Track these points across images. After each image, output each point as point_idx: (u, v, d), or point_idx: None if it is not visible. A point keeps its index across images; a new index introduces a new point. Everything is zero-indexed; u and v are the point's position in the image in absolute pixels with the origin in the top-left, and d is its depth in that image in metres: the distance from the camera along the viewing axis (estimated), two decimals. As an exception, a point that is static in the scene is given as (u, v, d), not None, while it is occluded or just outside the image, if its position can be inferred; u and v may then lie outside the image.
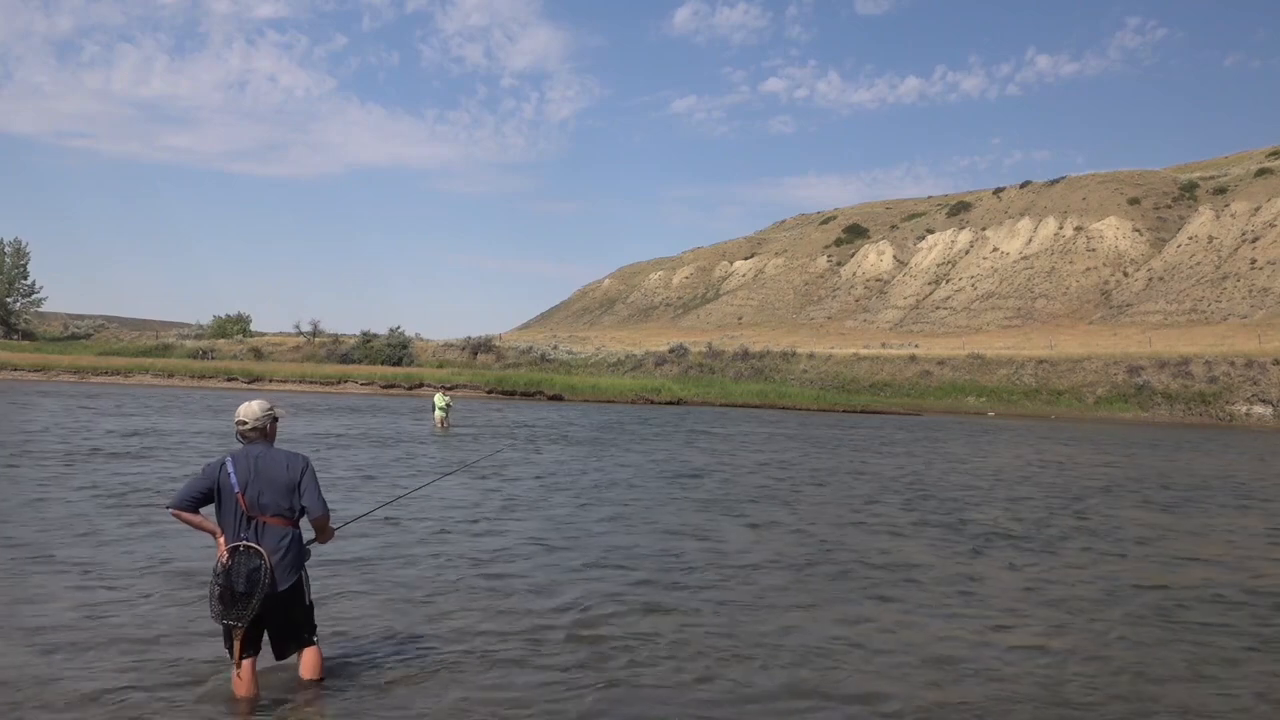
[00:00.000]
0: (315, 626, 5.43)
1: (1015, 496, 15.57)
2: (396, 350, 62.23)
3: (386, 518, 10.87)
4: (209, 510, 5.18)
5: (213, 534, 5.15)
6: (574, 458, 19.75)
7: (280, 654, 5.30)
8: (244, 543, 5.04)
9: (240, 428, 5.30)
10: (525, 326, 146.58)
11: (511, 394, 51.14)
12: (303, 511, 5.25)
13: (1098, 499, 15.63)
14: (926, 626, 7.28)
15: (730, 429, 31.33)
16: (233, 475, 5.10)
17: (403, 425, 27.91)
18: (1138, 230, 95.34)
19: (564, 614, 7.29)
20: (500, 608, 7.40)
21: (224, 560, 5.00)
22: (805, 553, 10.06)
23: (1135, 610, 8.02)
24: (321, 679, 5.38)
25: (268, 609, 5.03)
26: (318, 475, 5.35)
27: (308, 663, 5.37)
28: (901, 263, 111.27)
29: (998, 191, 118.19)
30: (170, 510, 5.09)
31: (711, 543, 10.46)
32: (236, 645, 5.06)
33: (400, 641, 6.42)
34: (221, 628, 5.12)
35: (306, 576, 5.30)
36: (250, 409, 5.35)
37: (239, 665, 5.11)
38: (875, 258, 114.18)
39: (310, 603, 5.34)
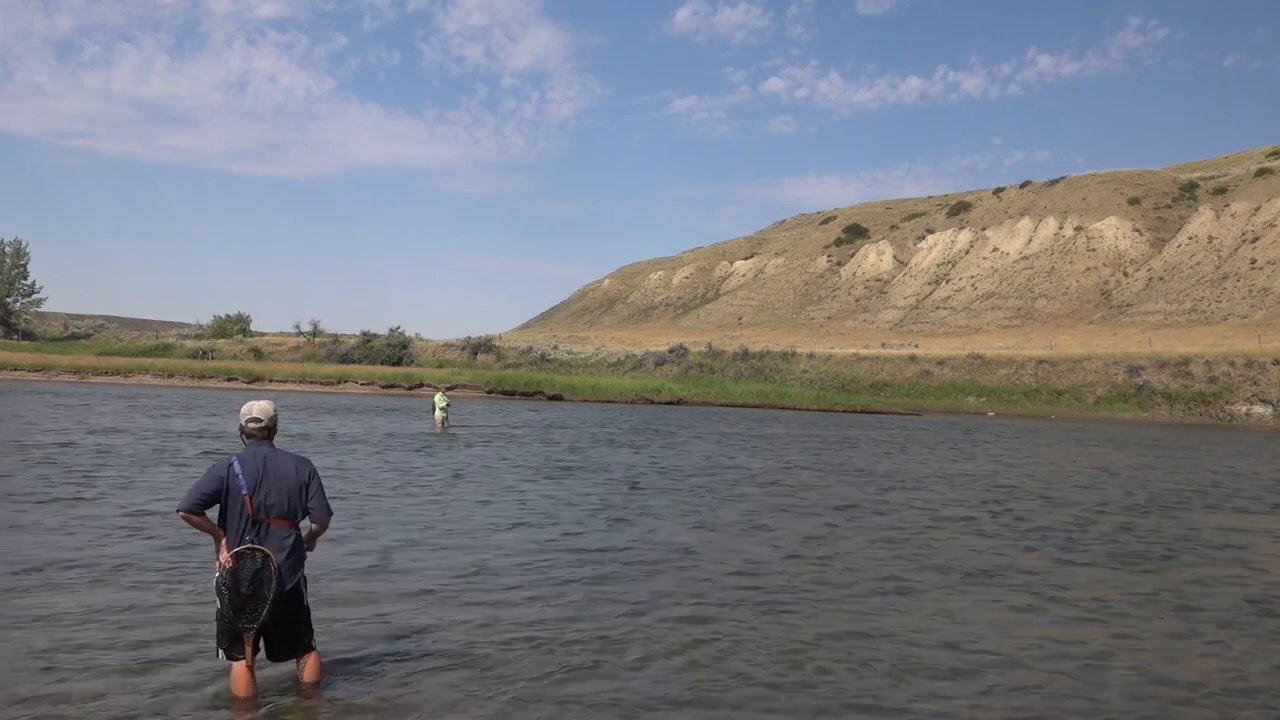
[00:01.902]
0: (313, 631, 5.41)
1: (1100, 502, 15.28)
2: (396, 350, 62.23)
3: (516, 523, 11.32)
4: (212, 512, 5.16)
5: (216, 536, 5.12)
6: (648, 461, 19.56)
7: (276, 657, 5.27)
8: (249, 545, 5.02)
9: (252, 426, 5.27)
10: (525, 326, 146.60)
11: (511, 394, 51.14)
12: (304, 513, 5.23)
13: (1179, 503, 15.39)
14: (1082, 639, 7.14)
15: (761, 430, 31.19)
16: (241, 477, 5.06)
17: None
18: (1138, 230, 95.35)
19: (679, 608, 7.44)
20: (606, 612, 7.41)
21: (229, 563, 4.98)
22: (935, 561, 9.88)
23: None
24: (319, 681, 5.37)
25: (271, 610, 5.02)
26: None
27: (308, 666, 5.36)
28: (901, 263, 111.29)
29: (998, 191, 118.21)
30: (180, 514, 5.02)
31: (842, 555, 10.15)
32: (248, 648, 5.06)
33: (463, 640, 6.46)
34: (218, 627, 5.11)
35: (304, 580, 5.29)
36: (263, 407, 5.32)
37: (248, 665, 5.10)
38: (875, 258, 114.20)
39: (308, 606, 5.32)
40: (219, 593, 5.03)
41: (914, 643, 6.83)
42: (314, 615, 5.48)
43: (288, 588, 5.07)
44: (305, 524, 5.35)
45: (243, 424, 5.31)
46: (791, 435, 29.36)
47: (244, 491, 5.04)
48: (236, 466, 5.10)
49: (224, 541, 5.06)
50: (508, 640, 6.50)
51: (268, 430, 5.29)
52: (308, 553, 5.36)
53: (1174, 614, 7.99)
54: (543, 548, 9.88)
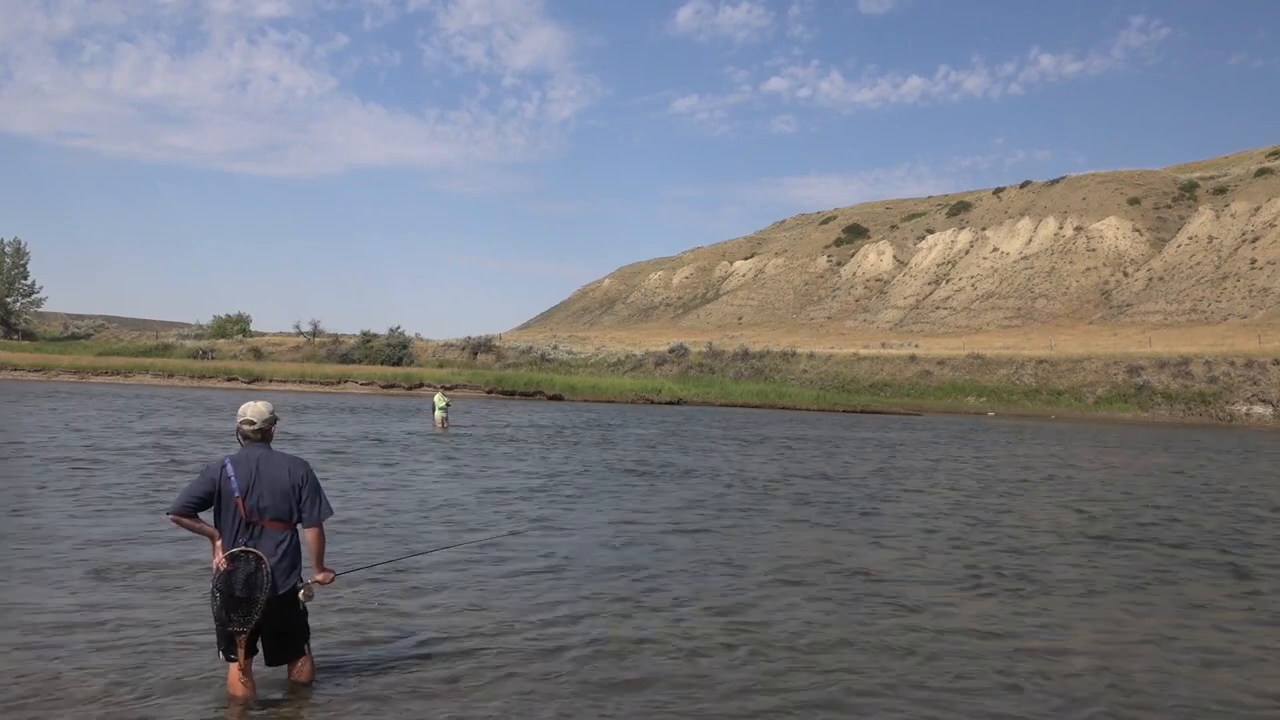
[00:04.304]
0: (309, 634, 5.40)
1: (1207, 507, 15.07)
2: (396, 350, 62.25)
3: (672, 530, 11.25)
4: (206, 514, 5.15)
5: (211, 538, 5.11)
6: (736, 465, 19.37)
7: (273, 660, 5.27)
8: (243, 548, 5.00)
9: (246, 428, 5.24)
10: (525, 326, 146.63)
11: (511, 394, 51.14)
12: (300, 516, 5.19)
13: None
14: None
15: (804, 432, 30.87)
16: (233, 479, 5.04)
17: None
18: (1138, 230, 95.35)
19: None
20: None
21: (223, 566, 4.97)
22: (1104, 576, 9.66)
23: None
24: (310, 681, 5.38)
25: (266, 613, 5.00)
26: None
27: (300, 668, 5.36)
28: (901, 263, 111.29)
29: (998, 191, 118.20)
30: (170, 516, 5.02)
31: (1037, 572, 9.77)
32: (240, 650, 5.05)
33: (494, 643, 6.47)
34: (217, 630, 5.09)
35: (303, 582, 5.26)
36: (257, 409, 5.29)
37: (240, 667, 5.10)
38: (875, 258, 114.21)
39: (304, 609, 5.29)
40: (213, 595, 5.02)
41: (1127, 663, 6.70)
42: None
43: (281, 591, 5.04)
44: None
45: (238, 426, 5.29)
46: (837, 438, 28.95)
47: (236, 494, 5.02)
48: (229, 469, 5.07)
49: (218, 544, 5.05)
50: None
51: (262, 432, 5.26)
52: (323, 583, 5.31)
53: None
54: (703, 551, 9.98)
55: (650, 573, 8.90)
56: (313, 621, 5.61)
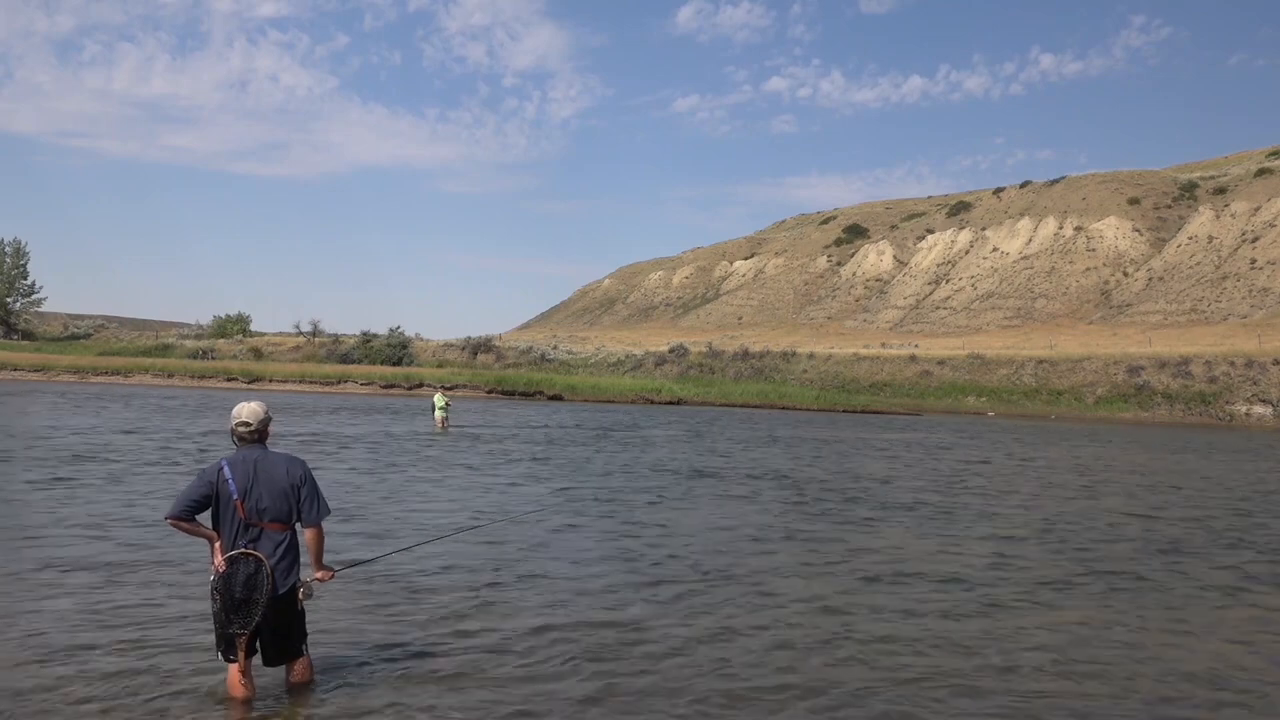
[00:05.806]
0: (306, 635, 5.38)
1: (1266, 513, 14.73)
2: (396, 350, 62.26)
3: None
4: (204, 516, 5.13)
5: (209, 540, 5.08)
6: (798, 467, 19.24)
7: (271, 661, 5.25)
8: (242, 550, 4.98)
9: (242, 430, 5.19)
10: (525, 326, 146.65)
11: (511, 394, 51.12)
12: (299, 515, 5.18)
13: None
14: None
15: (824, 434, 30.64)
16: (231, 482, 5.01)
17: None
18: (1138, 230, 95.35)
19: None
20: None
21: (222, 568, 4.95)
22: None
23: None
24: (309, 682, 5.37)
25: (265, 613, 4.99)
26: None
27: (297, 669, 5.35)
28: (901, 263, 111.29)
29: (998, 191, 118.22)
30: (169, 520, 4.98)
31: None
32: (240, 651, 5.03)
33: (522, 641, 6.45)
34: (216, 631, 5.07)
35: (302, 581, 5.25)
36: (252, 409, 5.23)
37: (240, 668, 5.09)
38: (875, 258, 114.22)
39: (302, 610, 5.27)
40: (212, 596, 5.00)
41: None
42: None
43: (281, 591, 5.03)
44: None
45: (232, 427, 5.23)
46: (868, 439, 28.70)
47: (234, 496, 4.99)
48: (226, 471, 5.04)
49: (218, 545, 5.02)
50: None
51: (258, 433, 5.21)
52: (322, 580, 5.31)
53: None
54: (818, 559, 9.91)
55: (758, 574, 8.88)
56: (312, 623, 5.60)
